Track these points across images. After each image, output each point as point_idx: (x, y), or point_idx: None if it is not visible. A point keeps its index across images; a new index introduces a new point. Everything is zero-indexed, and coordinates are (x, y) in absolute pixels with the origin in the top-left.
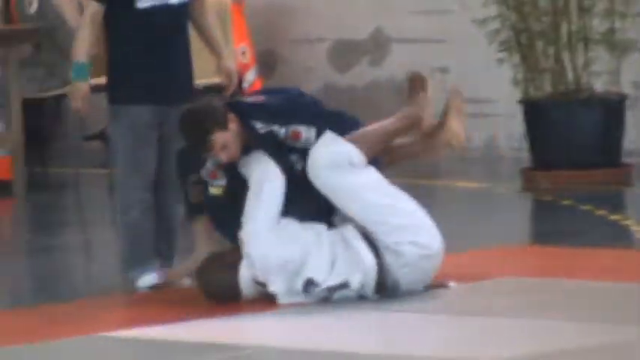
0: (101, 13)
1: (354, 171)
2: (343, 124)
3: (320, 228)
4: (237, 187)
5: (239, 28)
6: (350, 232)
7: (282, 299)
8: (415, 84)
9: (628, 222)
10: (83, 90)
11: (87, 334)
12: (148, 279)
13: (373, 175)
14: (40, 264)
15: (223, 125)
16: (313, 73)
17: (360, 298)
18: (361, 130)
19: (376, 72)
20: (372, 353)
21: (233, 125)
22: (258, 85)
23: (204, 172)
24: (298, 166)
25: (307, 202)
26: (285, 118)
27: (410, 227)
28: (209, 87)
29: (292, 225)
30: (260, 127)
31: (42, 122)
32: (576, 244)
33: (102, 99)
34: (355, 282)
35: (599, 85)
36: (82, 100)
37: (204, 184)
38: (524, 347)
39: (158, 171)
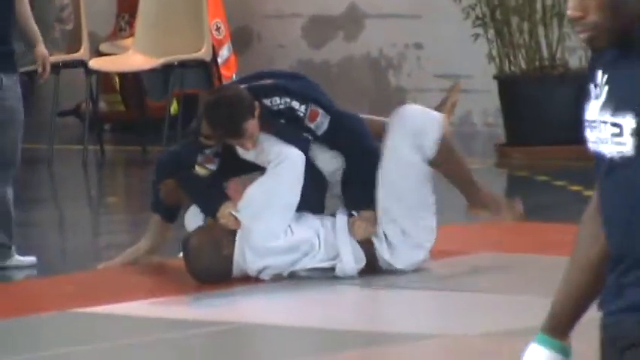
0: None
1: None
2: (356, 121)
3: (325, 222)
4: (225, 172)
5: (214, 4)
6: (342, 232)
7: (266, 277)
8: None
9: None
10: None
11: (61, 309)
12: None
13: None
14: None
15: (253, 113)
16: (288, 49)
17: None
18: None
19: (351, 48)
20: (356, 329)
21: (257, 112)
22: (232, 61)
23: (200, 158)
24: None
25: (312, 185)
26: (303, 96)
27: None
28: (184, 62)
29: (302, 225)
30: (279, 102)
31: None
32: (551, 220)
33: (78, 74)
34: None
35: (574, 61)
36: None
37: (180, 176)
38: (507, 322)
39: None
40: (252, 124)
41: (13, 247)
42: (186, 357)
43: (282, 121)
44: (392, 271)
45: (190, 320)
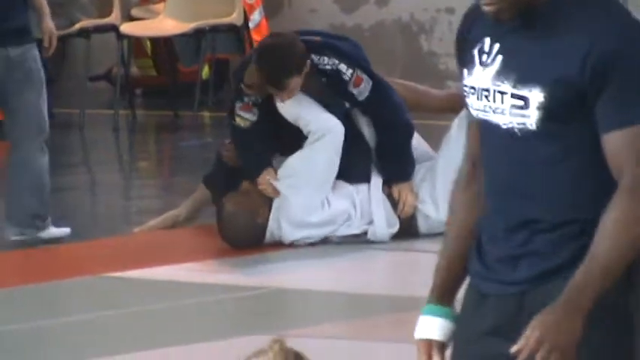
0: None
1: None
2: (394, 93)
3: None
4: (266, 126)
5: None
6: (376, 196)
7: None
8: None
9: None
10: None
11: (95, 274)
12: None
13: None
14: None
15: (300, 70)
16: (319, 14)
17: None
18: None
19: (382, 12)
20: (388, 294)
21: (306, 70)
22: (264, 26)
23: (238, 104)
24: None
25: (354, 152)
26: (351, 60)
27: None
28: (215, 26)
29: (338, 195)
30: (326, 62)
31: (47, 63)
32: None
33: (109, 39)
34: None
35: None
36: None
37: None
38: None
39: (16, 126)
40: (295, 81)
41: (49, 219)
42: (217, 321)
43: (324, 80)
44: (426, 235)
45: (221, 285)
